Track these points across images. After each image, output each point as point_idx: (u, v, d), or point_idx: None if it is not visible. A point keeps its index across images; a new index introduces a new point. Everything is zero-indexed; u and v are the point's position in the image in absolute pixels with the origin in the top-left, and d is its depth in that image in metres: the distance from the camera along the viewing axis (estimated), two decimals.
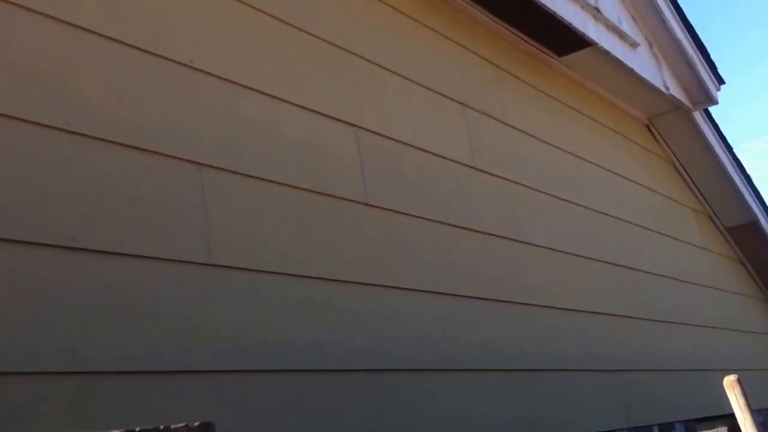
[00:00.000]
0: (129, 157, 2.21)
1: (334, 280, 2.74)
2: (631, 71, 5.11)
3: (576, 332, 4.14)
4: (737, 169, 6.17)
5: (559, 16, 4.34)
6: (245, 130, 2.60)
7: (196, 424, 0.80)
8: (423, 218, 3.28)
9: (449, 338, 3.22)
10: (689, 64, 5.60)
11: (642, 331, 4.80)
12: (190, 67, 2.47)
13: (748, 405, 2.98)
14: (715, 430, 5.24)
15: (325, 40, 3.06)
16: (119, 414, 2.00)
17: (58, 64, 2.12)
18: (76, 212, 2.04)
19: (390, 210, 3.11)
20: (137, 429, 0.78)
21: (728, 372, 5.64)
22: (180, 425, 0.79)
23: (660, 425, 4.57)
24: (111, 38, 2.26)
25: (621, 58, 4.96)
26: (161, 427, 0.78)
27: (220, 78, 2.56)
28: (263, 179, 2.59)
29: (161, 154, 2.28)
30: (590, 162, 4.89)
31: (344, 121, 3.02)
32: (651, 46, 5.49)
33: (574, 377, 3.99)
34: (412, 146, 3.35)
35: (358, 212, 2.95)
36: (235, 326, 2.35)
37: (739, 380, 3.00)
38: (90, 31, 2.21)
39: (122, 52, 2.28)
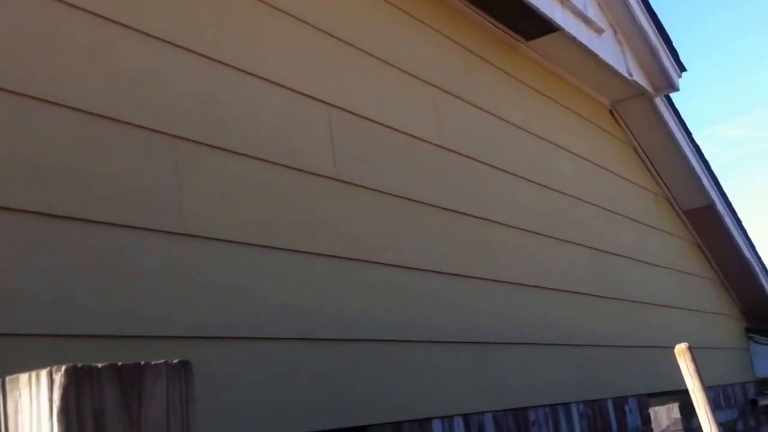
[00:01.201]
0: (106, 128, 2.27)
1: (304, 252, 2.84)
2: (595, 57, 5.24)
3: (538, 308, 4.28)
4: (696, 154, 6.35)
5: (528, 1, 4.46)
6: (220, 105, 2.67)
7: (175, 361, 0.86)
8: (391, 194, 3.39)
9: (416, 311, 3.34)
10: (652, 51, 5.75)
11: (601, 308, 4.96)
12: (168, 42, 2.54)
13: (698, 371, 3.13)
14: (667, 405, 5.43)
15: (300, 20, 3.14)
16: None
17: (37, 33, 2.18)
18: (53, 180, 2.12)
19: (359, 186, 3.21)
20: (119, 363, 0.83)
21: None
22: (160, 361, 0.85)
23: (614, 399, 4.74)
24: (88, 10, 2.32)
25: (586, 44, 5.08)
26: (142, 362, 0.84)
27: (196, 53, 2.64)
28: (237, 153, 2.67)
29: (137, 126, 2.36)
30: (554, 144, 5.02)
31: (317, 99, 3.12)
32: (615, 32, 5.63)
33: (535, 351, 4.13)
34: (382, 124, 3.45)
35: (328, 187, 3.05)
36: (208, 294, 2.43)
37: (689, 348, 3.14)
38: (69, 4, 2.27)
39: (100, 25, 2.34)
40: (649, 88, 5.85)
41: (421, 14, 3.99)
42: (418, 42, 3.93)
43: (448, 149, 3.90)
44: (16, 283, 1.99)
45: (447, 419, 3.34)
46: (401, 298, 3.28)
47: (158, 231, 2.34)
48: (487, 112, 4.36)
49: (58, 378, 0.81)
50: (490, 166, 4.22)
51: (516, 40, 4.86)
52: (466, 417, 3.46)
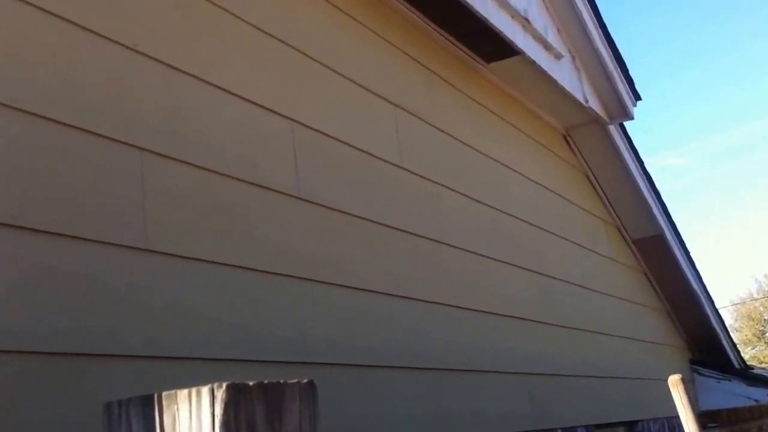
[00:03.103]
0: (72, 137, 2.19)
1: (264, 272, 2.77)
2: (554, 82, 5.23)
3: (488, 334, 4.23)
4: (647, 183, 6.37)
5: (491, 23, 4.43)
6: (185, 116, 2.60)
7: (305, 381, 0.96)
8: (350, 214, 3.32)
9: (367, 334, 3.27)
10: (609, 79, 5.76)
11: (550, 335, 4.93)
12: (135, 51, 2.46)
13: (691, 402, 3.15)
14: None
15: (266, 33, 3.07)
16: (49, 392, 1.99)
17: (3, 39, 2.09)
18: (18, 190, 2.03)
19: (320, 205, 3.14)
20: (266, 381, 0.91)
21: (629, 380, 5.84)
22: (293, 381, 0.95)
23: (563, 429, 4.70)
24: (58, 16, 2.24)
25: (545, 69, 5.07)
26: (281, 381, 0.93)
27: (163, 63, 2.55)
28: (201, 167, 2.59)
29: (104, 136, 2.27)
30: (509, 168, 4.99)
31: (281, 114, 3.04)
32: (573, 58, 5.63)
33: (484, 378, 4.08)
34: (344, 143, 3.38)
35: (290, 205, 2.97)
36: (169, 312, 2.35)
37: (682, 379, 3.16)
38: (37, 7, 2.19)
39: (69, 31, 2.26)
40: (604, 116, 5.86)
41: (385, 32, 3.93)
42: (380, 59, 3.87)
43: (407, 169, 3.84)
44: None
45: None
46: (357, 321, 3.21)
47: (122, 246, 2.23)
48: (445, 132, 4.31)
49: (220, 394, 0.90)
50: (446, 187, 4.17)
51: (476, 61, 4.82)
52: None
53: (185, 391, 0.93)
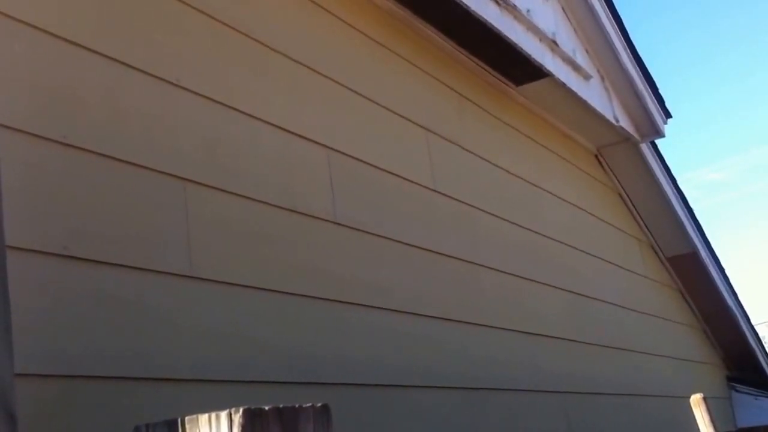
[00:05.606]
0: (119, 170, 2.29)
1: (304, 295, 2.85)
2: (583, 102, 5.28)
3: (524, 353, 4.28)
4: (680, 201, 6.39)
5: (520, 47, 4.50)
6: (226, 147, 2.69)
7: (319, 404, 0.99)
8: (386, 238, 3.40)
9: (404, 355, 3.33)
10: (638, 98, 5.80)
11: (586, 354, 4.96)
12: (177, 86, 2.56)
13: (713, 422, 3.16)
14: None
15: (301, 64, 3.17)
16: (102, 415, 2.08)
17: (55, 77, 2.20)
18: (69, 222, 2.13)
19: (356, 229, 3.22)
20: (281, 406, 0.95)
21: (666, 399, 5.84)
22: (308, 405, 0.98)
23: None
24: (106, 55, 2.35)
25: (575, 90, 5.13)
26: (296, 405, 0.97)
27: (204, 97, 2.66)
28: (241, 196, 2.69)
29: (149, 168, 2.38)
30: (542, 189, 5.04)
31: (317, 142, 3.13)
32: (603, 78, 5.68)
33: (521, 397, 4.12)
34: (378, 168, 3.47)
35: (327, 230, 3.06)
36: (214, 337, 2.44)
37: (704, 399, 3.18)
38: (86, 48, 2.30)
39: (116, 69, 2.37)
40: (635, 134, 5.90)
41: (417, 60, 4.02)
42: (412, 86, 3.96)
43: (440, 193, 3.91)
44: (29, 321, 1.97)
45: None
46: (395, 342, 3.28)
47: (167, 273, 2.33)
48: (477, 155, 4.39)
49: (237, 418, 0.96)
50: (480, 209, 4.24)
51: (506, 84, 4.89)
52: None
53: (206, 416, 1.00)
